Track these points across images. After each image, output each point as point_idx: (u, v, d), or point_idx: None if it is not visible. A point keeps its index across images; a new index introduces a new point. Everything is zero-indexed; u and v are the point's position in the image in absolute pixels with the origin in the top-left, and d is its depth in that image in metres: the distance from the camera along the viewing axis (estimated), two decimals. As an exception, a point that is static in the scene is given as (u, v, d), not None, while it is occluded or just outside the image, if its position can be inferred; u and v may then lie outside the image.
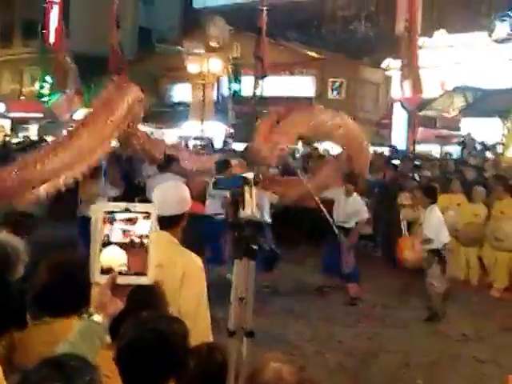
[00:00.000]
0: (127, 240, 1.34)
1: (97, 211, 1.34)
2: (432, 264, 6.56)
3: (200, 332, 2.55)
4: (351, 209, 7.22)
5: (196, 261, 2.83)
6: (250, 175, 2.04)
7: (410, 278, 7.49)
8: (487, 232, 7.80)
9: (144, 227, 1.34)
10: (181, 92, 23.70)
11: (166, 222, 2.72)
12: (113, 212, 1.33)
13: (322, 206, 6.96)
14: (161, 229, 2.69)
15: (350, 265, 7.19)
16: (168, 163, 7.83)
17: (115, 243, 1.33)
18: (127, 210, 1.34)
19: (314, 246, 8.58)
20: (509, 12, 17.56)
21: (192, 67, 20.83)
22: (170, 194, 2.87)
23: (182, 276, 2.70)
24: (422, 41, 18.99)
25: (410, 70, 10.45)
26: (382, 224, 9.09)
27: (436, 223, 6.57)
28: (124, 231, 1.34)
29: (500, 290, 7.80)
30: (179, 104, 23.44)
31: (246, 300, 1.90)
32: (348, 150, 8.24)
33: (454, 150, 13.77)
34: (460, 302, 7.10)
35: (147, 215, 1.35)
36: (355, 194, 7.32)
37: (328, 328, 6.27)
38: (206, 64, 20.55)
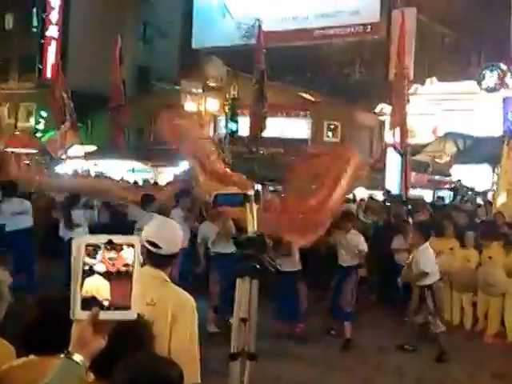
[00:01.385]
0: (110, 269, 1.29)
1: (78, 244, 1.31)
2: (426, 300, 6.73)
3: (189, 374, 2.49)
4: (352, 244, 7.38)
5: (189, 300, 2.78)
6: (250, 192, 2.01)
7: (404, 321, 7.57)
8: (479, 278, 7.95)
9: (128, 258, 1.31)
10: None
11: (162, 260, 2.74)
12: (95, 244, 1.30)
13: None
14: (155, 267, 2.72)
15: (350, 303, 7.29)
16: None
17: (98, 273, 1.29)
18: (110, 242, 1.31)
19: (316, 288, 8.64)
20: (498, 63, 18.18)
21: (189, 106, 21.22)
22: (170, 233, 2.86)
23: (173, 315, 2.66)
24: (414, 88, 19.66)
25: (398, 116, 10.80)
26: (377, 267, 9.21)
27: (431, 259, 6.88)
28: (107, 261, 1.30)
29: (492, 336, 7.89)
30: (176, 142, 23.71)
31: (249, 321, 1.83)
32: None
33: (446, 195, 14.07)
34: (453, 348, 7.16)
35: (131, 246, 1.32)
36: (353, 230, 7.51)
37: (325, 372, 6.30)
38: (203, 103, 20.95)
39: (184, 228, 8.14)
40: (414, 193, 14.10)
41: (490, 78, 17.90)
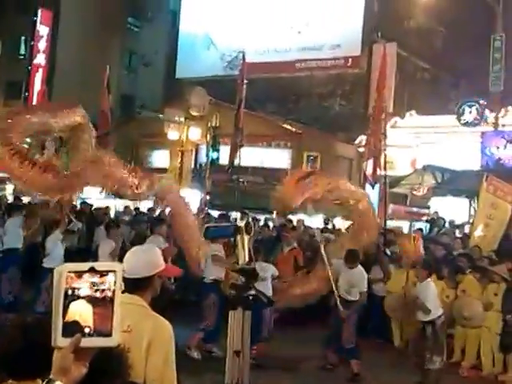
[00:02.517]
0: (93, 295, 1.30)
1: (60, 271, 1.31)
2: (428, 336, 6.70)
3: None
4: (355, 280, 7.32)
5: (165, 326, 2.77)
6: (241, 224, 1.94)
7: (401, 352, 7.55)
8: (454, 311, 7.96)
9: (110, 284, 1.31)
10: (160, 158, 24.03)
11: (135, 285, 2.73)
12: (77, 271, 1.31)
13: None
14: (130, 292, 2.70)
15: (350, 340, 7.22)
16: None
17: (82, 297, 1.29)
18: (92, 269, 1.31)
19: (315, 321, 8.58)
20: (477, 98, 18.62)
21: (172, 134, 21.25)
22: (138, 256, 2.88)
23: (150, 341, 2.64)
24: (394, 120, 19.99)
25: (374, 148, 10.90)
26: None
27: (434, 295, 6.91)
28: (90, 287, 1.30)
29: (468, 368, 7.87)
30: (158, 170, 23.71)
31: (243, 353, 1.74)
32: (359, 225, 7.89)
33: (423, 227, 14.18)
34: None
35: (113, 272, 1.32)
36: (360, 266, 7.48)
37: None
38: (185, 132, 21.00)
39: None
40: (391, 224, 14.17)
41: (469, 113, 18.31)
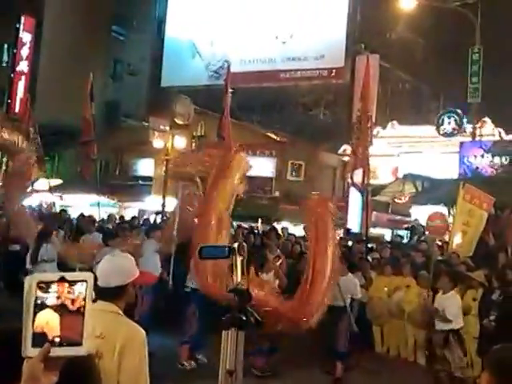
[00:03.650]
0: (62, 304, 1.30)
1: (31, 281, 1.30)
2: (453, 344, 6.95)
3: None
4: (347, 286, 7.48)
5: (138, 332, 2.78)
6: (235, 245, 2.06)
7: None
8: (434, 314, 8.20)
9: (80, 293, 1.31)
10: (144, 167, 24.11)
11: (108, 294, 2.78)
12: (47, 281, 1.31)
13: None
14: (104, 300, 2.75)
15: (344, 344, 7.41)
16: None
17: (50, 307, 1.29)
18: (62, 279, 1.31)
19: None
20: (455, 109, 19.11)
21: (157, 143, 21.34)
22: (111, 265, 2.90)
23: (122, 347, 2.65)
24: (376, 130, 20.40)
25: (361, 157, 11.16)
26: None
27: (458, 307, 7.17)
28: (59, 296, 1.30)
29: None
30: (143, 178, 23.79)
31: (236, 374, 1.83)
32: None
33: (404, 234, 14.50)
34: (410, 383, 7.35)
35: (83, 281, 1.32)
36: (350, 273, 7.66)
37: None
38: (170, 140, 21.12)
39: (155, 260, 8.30)
40: (374, 231, 14.47)
41: (448, 123, 18.80)
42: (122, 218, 15.67)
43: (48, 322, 1.28)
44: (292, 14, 25.11)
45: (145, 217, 17.69)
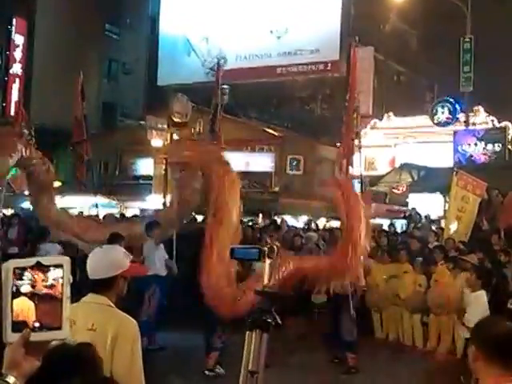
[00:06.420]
0: (36, 290, 1.31)
1: (7, 267, 1.32)
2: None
3: None
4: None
5: (130, 323, 2.81)
6: (264, 248, 2.06)
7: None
8: (429, 299, 8.43)
9: (56, 278, 1.32)
10: (144, 166, 24.26)
11: (98, 285, 2.82)
12: (23, 267, 1.32)
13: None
14: (94, 292, 2.82)
15: (351, 332, 7.39)
16: None
17: (24, 294, 1.30)
18: (38, 263, 1.32)
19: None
20: (449, 98, 19.30)
21: (155, 142, 21.47)
22: (100, 257, 2.92)
23: (114, 338, 2.68)
24: (373, 122, 20.65)
25: (346, 149, 11.12)
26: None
27: (485, 308, 6.68)
28: (33, 282, 1.31)
29: (444, 353, 8.33)
30: (142, 177, 23.93)
31: (258, 375, 1.84)
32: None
33: (401, 223, 14.73)
34: (407, 367, 7.53)
35: (59, 266, 1.33)
36: None
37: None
38: (168, 139, 21.23)
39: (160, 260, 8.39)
40: (372, 221, 14.62)
41: (442, 113, 19.02)
42: (122, 215, 15.84)
43: (23, 309, 1.31)
44: (286, 9, 25.21)
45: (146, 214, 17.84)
